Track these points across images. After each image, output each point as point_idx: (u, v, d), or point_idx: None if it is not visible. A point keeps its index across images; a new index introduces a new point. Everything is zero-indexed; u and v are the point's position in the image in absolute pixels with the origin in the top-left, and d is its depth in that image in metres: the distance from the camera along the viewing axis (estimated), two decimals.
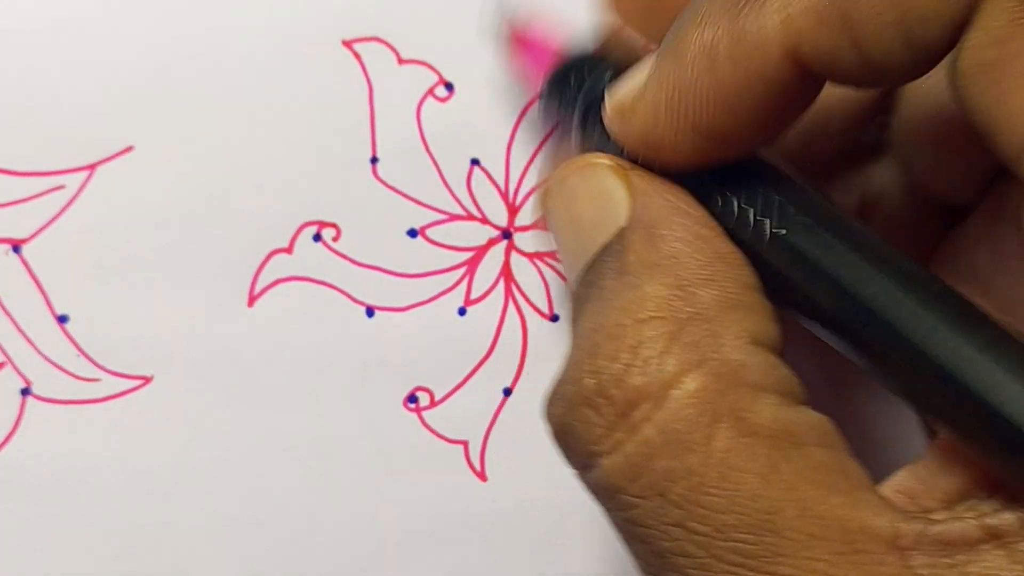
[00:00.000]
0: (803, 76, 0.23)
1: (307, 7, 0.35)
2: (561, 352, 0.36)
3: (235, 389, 0.35)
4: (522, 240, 0.36)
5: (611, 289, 0.25)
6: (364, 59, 0.36)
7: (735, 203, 0.25)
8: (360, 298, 0.36)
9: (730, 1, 0.23)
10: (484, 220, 0.36)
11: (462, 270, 0.36)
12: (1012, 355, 0.22)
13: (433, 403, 0.36)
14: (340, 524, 0.35)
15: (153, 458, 0.35)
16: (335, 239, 0.36)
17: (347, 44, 0.36)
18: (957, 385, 0.22)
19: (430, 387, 0.36)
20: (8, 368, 0.34)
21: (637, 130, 0.25)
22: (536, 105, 0.32)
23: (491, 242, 0.36)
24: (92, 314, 0.34)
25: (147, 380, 0.35)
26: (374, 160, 0.36)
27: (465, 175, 0.36)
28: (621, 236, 0.25)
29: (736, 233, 0.25)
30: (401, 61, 0.36)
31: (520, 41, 0.34)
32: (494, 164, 0.36)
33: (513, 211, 0.36)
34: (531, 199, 0.37)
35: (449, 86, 0.36)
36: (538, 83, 0.33)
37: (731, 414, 0.23)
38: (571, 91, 0.30)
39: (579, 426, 0.24)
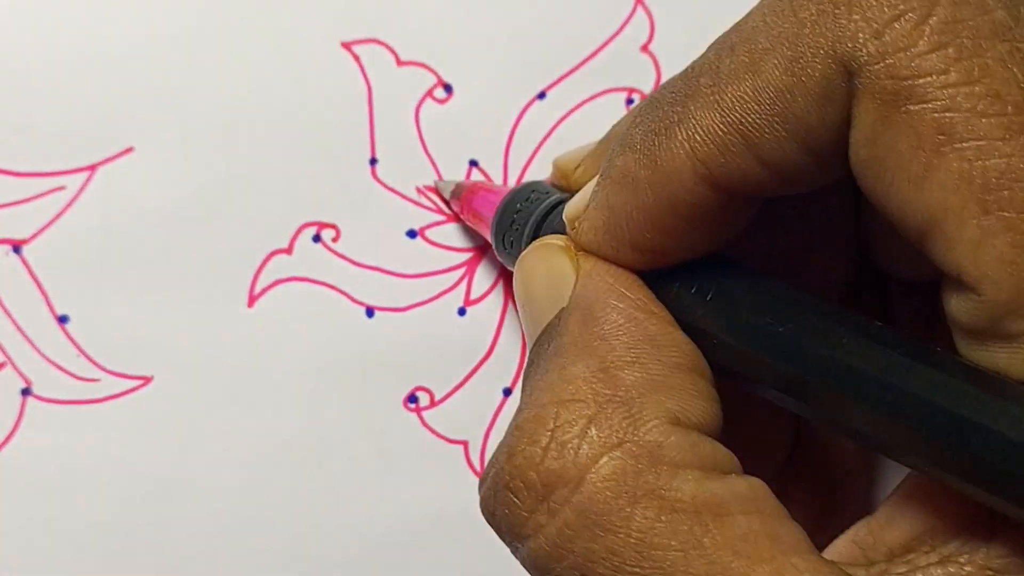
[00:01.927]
0: (723, 195, 0.24)
1: (306, 9, 0.36)
2: None
3: (235, 389, 0.35)
4: None
5: (543, 369, 0.25)
6: (363, 61, 0.36)
7: (677, 285, 0.26)
8: (360, 298, 0.36)
9: (647, 131, 0.25)
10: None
11: (461, 271, 0.36)
12: (973, 376, 0.22)
13: (433, 403, 0.36)
14: (340, 524, 0.35)
15: (153, 458, 0.35)
16: (335, 240, 0.36)
17: (346, 46, 0.36)
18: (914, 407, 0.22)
19: (430, 387, 0.36)
20: (8, 368, 0.34)
21: (584, 244, 0.27)
22: (493, 234, 0.33)
23: (490, 243, 0.36)
24: (92, 314, 0.34)
25: (147, 380, 0.35)
26: (373, 161, 0.36)
27: (464, 176, 0.36)
28: (560, 316, 0.26)
29: (683, 316, 0.26)
30: (400, 63, 0.36)
31: (471, 193, 0.35)
32: (492, 165, 0.37)
33: None
34: None
35: (448, 88, 0.36)
36: (490, 220, 0.33)
37: (649, 493, 0.23)
38: (524, 207, 0.32)
39: (502, 509, 0.25)
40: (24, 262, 0.34)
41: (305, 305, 0.35)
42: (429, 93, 0.36)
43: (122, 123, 0.34)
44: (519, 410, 0.25)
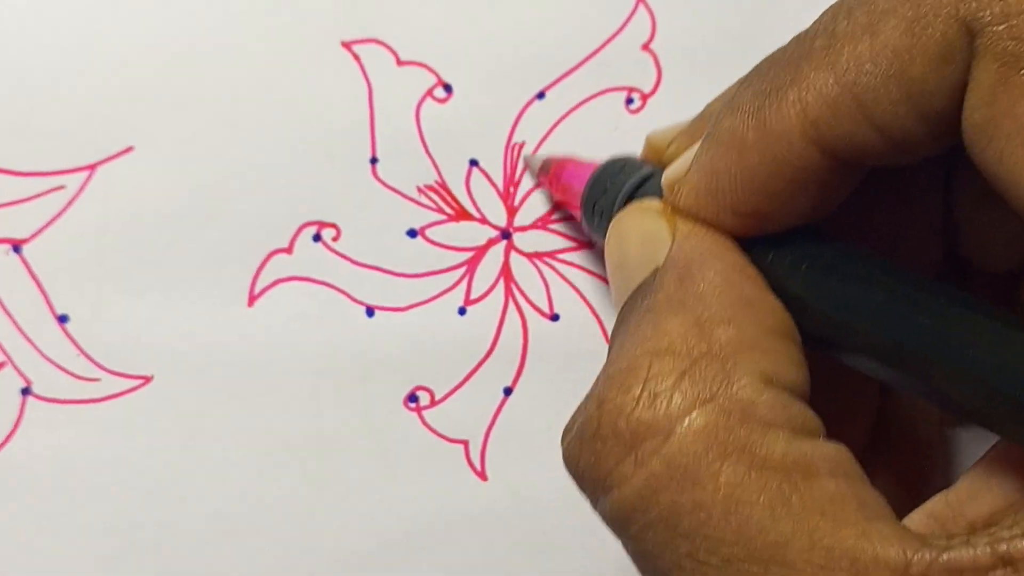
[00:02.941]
0: (831, 160, 0.24)
1: (306, 9, 0.36)
2: (562, 351, 0.37)
3: (235, 389, 0.35)
4: (521, 240, 0.37)
5: (635, 324, 0.25)
6: (363, 60, 0.36)
7: (772, 254, 0.26)
8: (360, 298, 0.36)
9: (757, 92, 0.25)
10: (483, 220, 0.36)
11: (462, 270, 0.36)
12: None
13: (433, 402, 0.36)
14: (340, 524, 0.35)
15: (153, 458, 0.35)
16: (335, 239, 0.36)
17: (346, 45, 0.36)
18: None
19: (430, 387, 0.36)
20: (8, 368, 0.34)
21: (684, 208, 0.27)
22: (583, 203, 0.33)
23: (490, 242, 0.36)
24: (92, 314, 0.34)
25: (147, 380, 0.35)
26: (374, 160, 0.36)
27: (464, 176, 0.36)
28: (655, 275, 0.26)
29: (777, 283, 0.26)
30: (400, 62, 0.36)
31: (561, 167, 0.35)
32: (492, 165, 0.37)
33: (512, 211, 0.37)
34: (530, 199, 0.37)
35: (448, 87, 0.36)
36: (579, 196, 0.33)
37: (739, 449, 0.23)
38: (617, 178, 0.31)
39: (588, 458, 0.24)
40: (24, 262, 0.34)
41: (305, 305, 0.35)
42: (429, 93, 0.36)
43: (122, 123, 0.35)
44: (609, 362, 0.25)
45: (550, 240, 0.37)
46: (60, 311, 0.34)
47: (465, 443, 0.36)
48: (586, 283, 0.37)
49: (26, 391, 0.34)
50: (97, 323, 0.34)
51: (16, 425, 0.34)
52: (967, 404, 0.23)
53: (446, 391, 0.36)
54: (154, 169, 0.35)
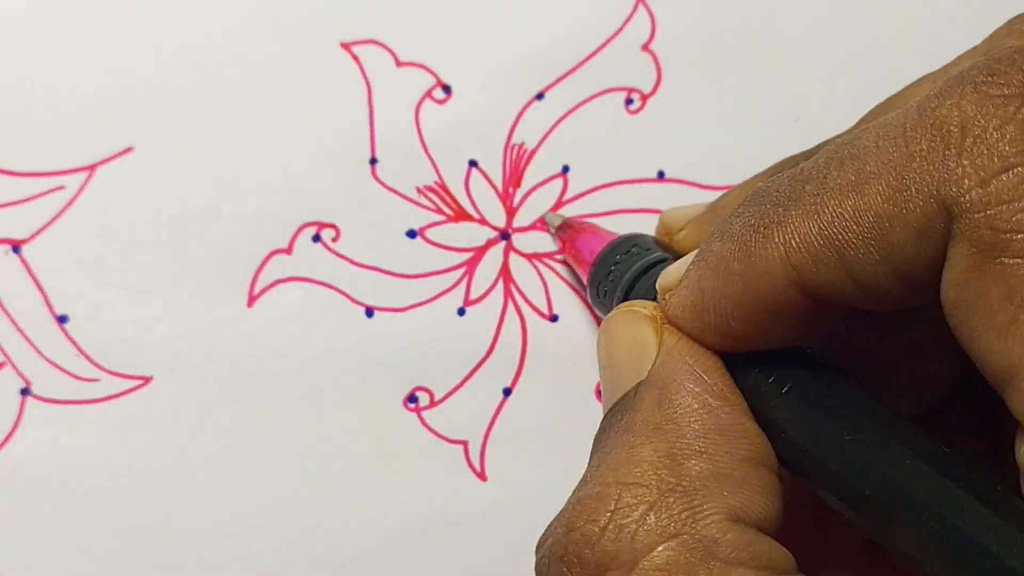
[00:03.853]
0: (812, 301, 0.25)
1: (306, 9, 0.36)
2: (561, 352, 0.37)
3: (235, 389, 0.35)
4: (520, 241, 0.37)
5: (612, 444, 0.26)
6: (362, 61, 0.36)
7: (756, 371, 0.26)
8: (360, 298, 0.36)
9: (746, 224, 0.25)
10: (482, 221, 0.36)
11: (461, 271, 0.36)
12: None
13: (433, 403, 0.36)
14: (340, 524, 0.35)
15: (153, 458, 0.34)
16: (334, 240, 0.36)
17: (345, 46, 0.36)
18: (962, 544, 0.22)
19: (430, 387, 0.36)
20: (8, 368, 0.34)
21: (671, 318, 0.27)
22: (588, 281, 0.34)
23: (490, 243, 0.36)
24: (91, 314, 0.34)
25: (147, 380, 0.35)
26: (373, 161, 0.36)
27: (463, 176, 0.36)
28: (637, 390, 0.26)
29: (757, 403, 0.26)
30: (399, 63, 0.36)
31: (576, 232, 0.35)
32: (492, 166, 0.37)
33: (511, 212, 0.37)
34: (529, 200, 0.37)
35: (447, 88, 0.36)
36: (589, 264, 0.34)
37: None
38: (623, 260, 0.32)
39: None
40: (24, 262, 0.34)
41: (305, 305, 0.35)
42: (428, 93, 0.36)
43: (122, 123, 0.35)
44: (583, 481, 0.26)
45: (549, 241, 0.37)
46: (60, 311, 0.34)
47: (464, 443, 0.36)
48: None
49: (26, 391, 0.34)
50: (97, 323, 0.34)
51: (16, 425, 0.34)
52: (921, 563, 0.23)
53: (446, 392, 0.36)
54: (154, 169, 0.35)
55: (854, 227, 0.24)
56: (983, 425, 0.31)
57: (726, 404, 0.26)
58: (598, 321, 0.36)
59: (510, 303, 0.36)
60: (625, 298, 0.31)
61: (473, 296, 0.36)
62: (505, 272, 0.36)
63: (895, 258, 0.23)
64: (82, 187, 0.34)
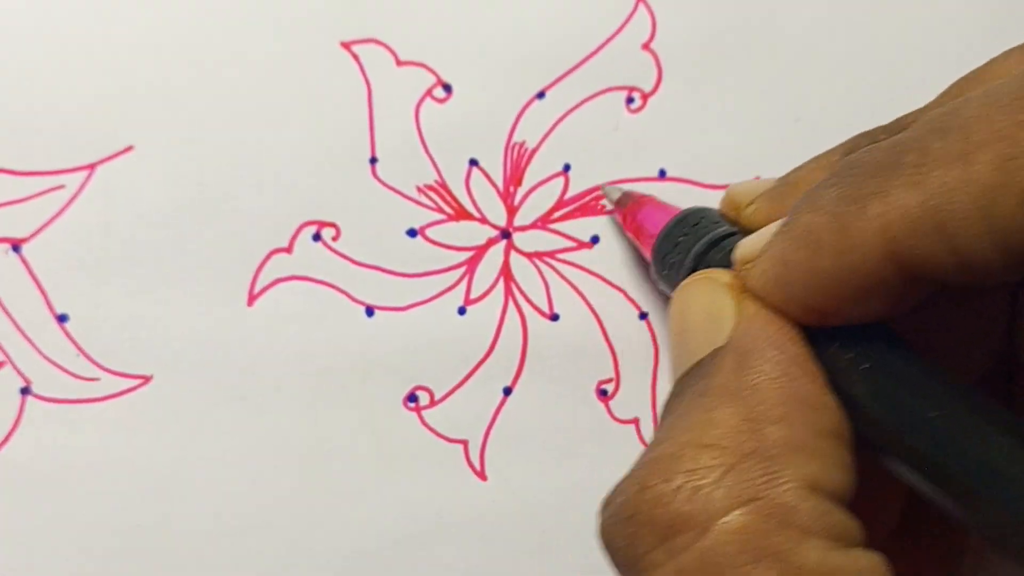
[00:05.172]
0: (906, 276, 0.24)
1: (306, 9, 0.36)
2: (561, 351, 0.37)
3: (235, 388, 0.35)
4: (521, 240, 0.37)
5: (688, 406, 0.25)
6: (363, 60, 0.36)
7: (836, 346, 0.26)
8: (360, 298, 0.36)
9: (840, 195, 0.25)
10: (483, 220, 0.36)
11: (461, 270, 0.36)
12: None
13: (433, 402, 0.36)
14: (340, 524, 0.35)
15: (153, 458, 0.35)
16: (335, 239, 0.36)
17: (345, 46, 0.36)
18: None
19: (430, 386, 0.36)
20: (8, 367, 0.34)
21: (752, 289, 0.27)
22: (653, 252, 0.33)
23: (490, 242, 0.36)
24: (92, 314, 0.34)
25: (147, 380, 0.35)
26: (373, 160, 0.36)
27: (464, 175, 0.36)
28: (714, 356, 0.26)
29: (836, 378, 0.26)
30: (399, 63, 0.36)
31: (637, 205, 0.35)
32: (492, 165, 0.37)
33: (512, 211, 0.37)
34: (529, 199, 0.37)
35: (447, 87, 0.36)
36: (652, 239, 0.33)
37: (774, 555, 0.23)
38: (691, 232, 0.32)
39: (623, 540, 0.24)
40: (23, 261, 0.34)
41: (305, 304, 0.35)
42: (429, 93, 0.36)
43: (122, 122, 0.35)
44: (655, 442, 0.25)
45: (550, 240, 0.37)
46: (60, 311, 0.34)
47: (464, 443, 0.36)
48: (586, 283, 0.37)
49: (26, 391, 0.34)
50: (97, 323, 0.34)
51: (16, 425, 0.34)
52: (1008, 540, 0.23)
53: (446, 391, 0.36)
54: (154, 169, 0.35)
55: (961, 197, 0.23)
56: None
57: (807, 375, 0.25)
58: (599, 321, 0.36)
59: (510, 302, 0.36)
60: (694, 270, 0.30)
61: (473, 295, 0.36)
62: (506, 271, 0.36)
63: (1002, 230, 0.23)
64: (82, 186, 0.34)
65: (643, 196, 0.35)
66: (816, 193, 0.25)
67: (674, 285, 0.29)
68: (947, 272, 0.24)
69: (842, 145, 0.31)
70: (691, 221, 0.32)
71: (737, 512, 0.23)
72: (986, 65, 0.29)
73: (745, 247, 0.27)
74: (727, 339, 0.26)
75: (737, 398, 0.25)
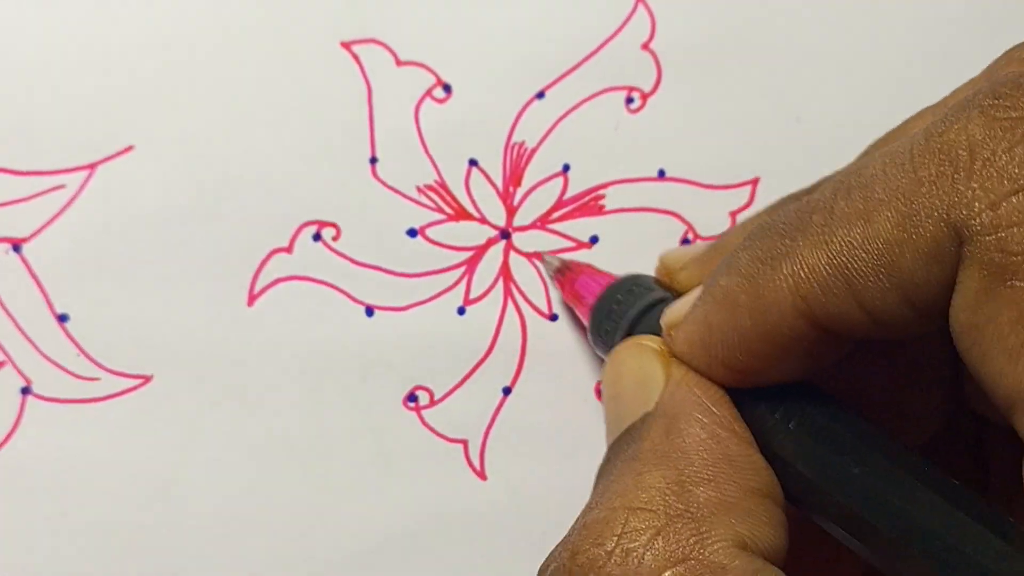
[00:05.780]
0: (819, 332, 0.25)
1: (306, 9, 0.36)
2: (561, 351, 0.37)
3: (235, 388, 0.35)
4: (520, 240, 0.37)
5: (619, 471, 0.26)
6: (363, 60, 0.36)
7: (762, 406, 0.26)
8: (360, 297, 0.36)
9: (753, 257, 0.25)
10: (483, 220, 0.36)
11: (461, 270, 0.36)
12: None
13: (433, 402, 0.36)
14: (340, 524, 0.35)
15: (153, 457, 0.35)
16: (335, 239, 0.36)
17: (345, 45, 0.36)
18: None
19: (429, 386, 0.36)
20: (8, 367, 0.34)
21: (678, 353, 0.27)
22: (589, 320, 0.34)
23: (490, 242, 0.36)
24: (92, 314, 0.34)
25: (147, 379, 0.35)
26: (373, 160, 0.36)
27: (463, 175, 0.36)
28: (644, 420, 0.27)
29: (763, 438, 0.26)
30: (399, 63, 0.36)
31: (575, 274, 0.35)
32: (492, 165, 0.37)
33: (511, 211, 0.37)
34: (529, 199, 0.37)
35: (447, 87, 0.36)
36: (590, 305, 0.34)
37: None
38: (625, 299, 0.32)
39: None
40: (24, 261, 0.34)
41: (305, 304, 0.35)
42: (429, 93, 0.36)
43: (122, 122, 0.35)
44: (588, 508, 0.26)
45: (549, 240, 0.37)
46: (60, 310, 0.34)
47: (464, 443, 0.36)
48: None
49: (26, 391, 0.34)
50: (97, 322, 0.34)
51: (16, 425, 0.34)
52: None
53: (445, 391, 0.36)
54: (154, 169, 0.35)
55: (864, 255, 0.24)
56: (973, 460, 0.31)
57: (734, 436, 0.26)
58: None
59: (510, 302, 0.36)
60: (629, 336, 0.31)
61: (473, 295, 0.36)
62: (505, 271, 0.36)
63: (905, 284, 0.23)
64: (82, 186, 0.34)
65: (579, 264, 0.36)
66: (733, 256, 0.26)
67: (609, 351, 0.30)
68: (859, 327, 0.25)
69: (768, 207, 0.32)
70: (625, 288, 0.33)
71: (668, 573, 0.24)
72: (901, 126, 0.29)
73: (671, 313, 0.28)
74: (656, 404, 0.27)
75: (666, 461, 0.25)
